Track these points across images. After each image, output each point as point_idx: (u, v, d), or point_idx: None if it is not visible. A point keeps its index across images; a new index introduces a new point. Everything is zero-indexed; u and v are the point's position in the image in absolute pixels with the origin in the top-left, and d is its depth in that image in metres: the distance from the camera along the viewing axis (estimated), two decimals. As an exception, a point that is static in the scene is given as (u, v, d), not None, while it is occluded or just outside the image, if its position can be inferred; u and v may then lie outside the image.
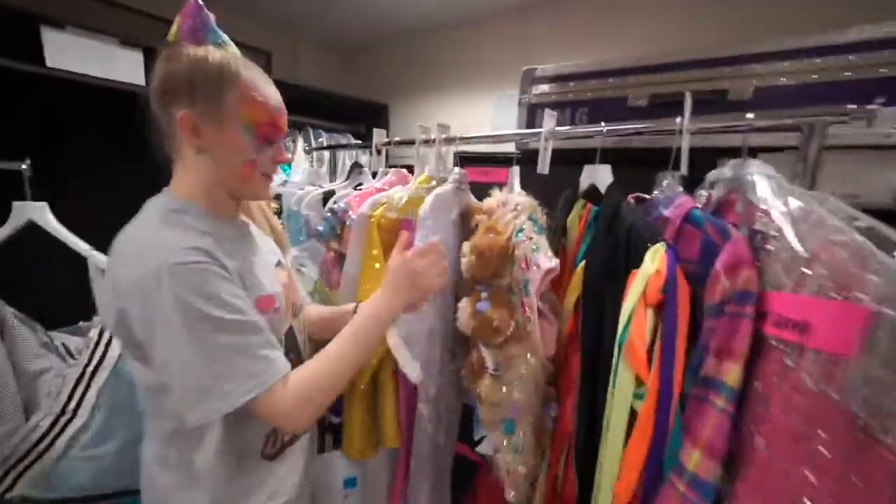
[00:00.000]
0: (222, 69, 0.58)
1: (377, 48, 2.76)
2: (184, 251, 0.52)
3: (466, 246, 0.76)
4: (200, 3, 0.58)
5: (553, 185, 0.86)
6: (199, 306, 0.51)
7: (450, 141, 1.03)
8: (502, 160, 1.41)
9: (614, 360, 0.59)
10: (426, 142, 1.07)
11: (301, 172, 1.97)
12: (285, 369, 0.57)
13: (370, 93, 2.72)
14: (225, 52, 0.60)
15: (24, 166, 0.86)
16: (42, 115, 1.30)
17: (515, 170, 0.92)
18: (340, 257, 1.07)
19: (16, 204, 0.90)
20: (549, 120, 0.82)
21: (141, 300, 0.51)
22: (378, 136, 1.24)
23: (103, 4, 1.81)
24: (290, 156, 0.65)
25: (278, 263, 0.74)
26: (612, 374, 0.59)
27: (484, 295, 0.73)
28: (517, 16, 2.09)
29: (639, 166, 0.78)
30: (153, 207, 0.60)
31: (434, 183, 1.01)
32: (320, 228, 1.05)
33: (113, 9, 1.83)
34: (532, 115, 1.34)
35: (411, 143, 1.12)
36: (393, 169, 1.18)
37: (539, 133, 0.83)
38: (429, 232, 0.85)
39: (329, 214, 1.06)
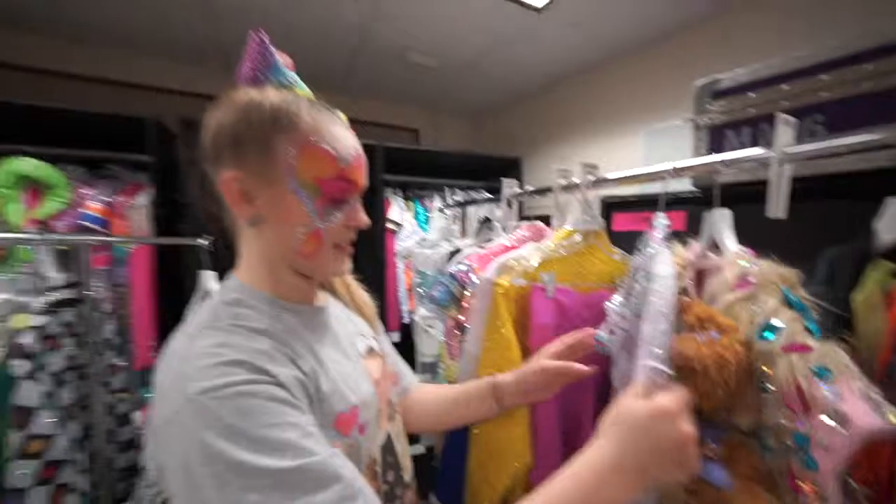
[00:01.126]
0: (277, 113, 0.44)
1: (506, 108, 2.80)
2: (217, 370, 0.36)
3: (672, 352, 0.43)
4: (265, 38, 0.46)
5: (784, 233, 0.50)
6: (231, 452, 0.33)
7: (599, 183, 0.78)
8: (670, 202, 1.05)
9: None
10: (566, 187, 0.84)
11: (436, 231, 1.97)
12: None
13: (502, 149, 2.71)
14: (287, 92, 0.47)
15: (203, 241, 0.99)
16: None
17: (723, 213, 0.58)
18: (461, 326, 0.89)
19: (200, 272, 1.05)
20: (784, 132, 0.48)
21: (163, 445, 0.36)
22: (508, 186, 1.07)
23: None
24: (366, 219, 0.50)
25: (370, 350, 0.58)
26: None
27: (713, 448, 0.40)
28: (638, 50, 1.86)
29: None
30: (218, 294, 0.48)
31: (578, 238, 0.76)
32: (436, 294, 0.90)
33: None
34: (716, 139, 0.97)
35: (547, 190, 0.90)
36: (525, 222, 0.98)
37: (768, 157, 0.49)
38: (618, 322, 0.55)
39: (447, 277, 0.90)
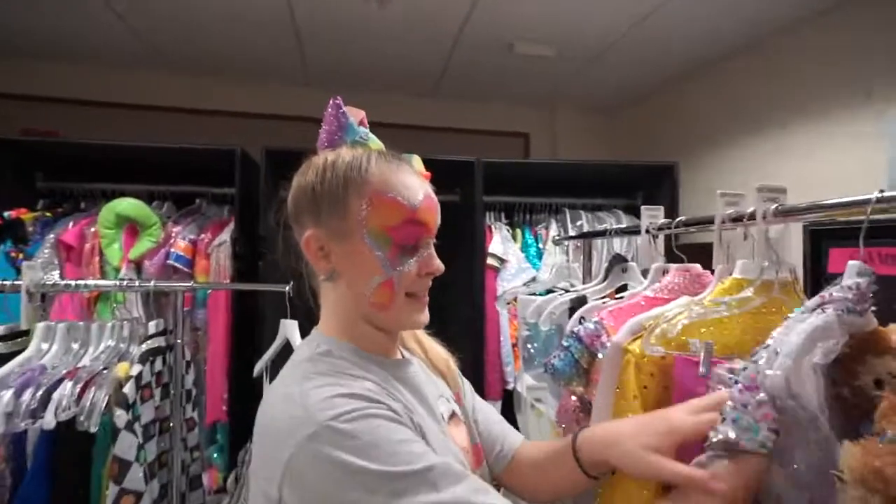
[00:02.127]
0: (348, 171, 0.57)
1: (651, 100, 2.70)
2: (340, 400, 0.49)
3: (850, 459, 0.38)
4: (339, 101, 0.61)
5: None
6: (374, 468, 0.45)
7: (786, 213, 0.70)
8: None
9: None
10: (735, 220, 0.78)
11: (551, 268, 1.95)
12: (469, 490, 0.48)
13: (648, 154, 2.58)
14: (360, 149, 0.60)
15: (287, 288, 1.16)
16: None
17: None
18: (586, 405, 0.89)
19: (282, 321, 1.23)
20: None
21: (296, 480, 0.47)
22: (649, 215, 1.02)
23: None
24: (440, 265, 0.62)
25: (452, 415, 0.66)
26: None
27: None
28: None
29: None
30: (302, 350, 0.61)
31: (750, 292, 0.70)
32: (556, 363, 0.89)
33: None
34: None
35: (708, 221, 0.84)
36: (675, 265, 0.92)
37: None
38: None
39: (572, 339, 0.89)
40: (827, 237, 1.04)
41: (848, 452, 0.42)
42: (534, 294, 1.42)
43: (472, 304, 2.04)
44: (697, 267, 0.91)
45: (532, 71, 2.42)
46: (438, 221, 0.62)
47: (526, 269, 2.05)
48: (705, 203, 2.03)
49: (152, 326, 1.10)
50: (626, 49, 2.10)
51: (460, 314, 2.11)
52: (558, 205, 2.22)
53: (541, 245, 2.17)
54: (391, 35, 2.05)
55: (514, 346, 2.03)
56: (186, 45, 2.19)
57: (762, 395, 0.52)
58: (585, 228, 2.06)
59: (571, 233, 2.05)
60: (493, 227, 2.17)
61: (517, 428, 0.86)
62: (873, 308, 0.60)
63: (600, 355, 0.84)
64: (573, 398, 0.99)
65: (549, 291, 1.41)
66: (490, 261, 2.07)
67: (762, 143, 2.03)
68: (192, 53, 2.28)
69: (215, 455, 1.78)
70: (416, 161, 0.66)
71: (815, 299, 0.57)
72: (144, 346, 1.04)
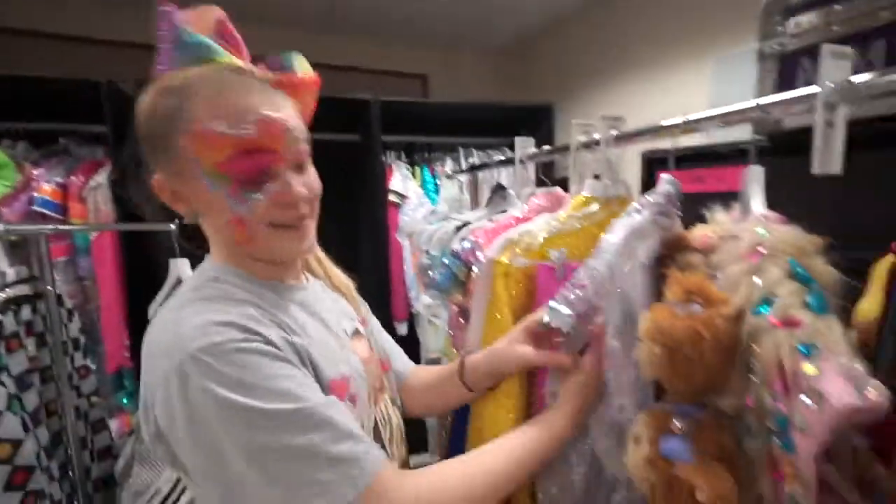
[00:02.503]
0: (170, 103, 0.50)
1: (538, 43, 2.76)
2: (212, 329, 0.47)
3: (643, 324, 0.50)
4: (167, 9, 0.50)
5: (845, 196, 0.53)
6: (235, 398, 0.45)
7: (623, 139, 0.81)
8: (728, 154, 1.05)
9: None
10: (586, 145, 0.88)
11: (447, 202, 2.03)
12: (377, 467, 0.49)
13: (532, 96, 2.68)
14: (195, 70, 0.51)
15: (172, 227, 1.10)
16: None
17: (754, 170, 0.62)
18: (465, 312, 0.96)
19: (171, 260, 1.19)
20: (831, 65, 0.50)
21: (164, 404, 0.47)
22: (522, 145, 1.11)
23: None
24: (299, 189, 0.54)
25: (356, 332, 0.69)
26: None
27: (678, 426, 0.47)
28: None
29: None
30: (192, 279, 0.60)
31: (596, 207, 0.80)
32: (437, 277, 0.97)
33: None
34: (789, 70, 0.97)
35: (565, 149, 0.94)
36: (542, 189, 1.02)
37: (814, 95, 0.52)
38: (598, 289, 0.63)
39: (449, 257, 0.97)
40: (658, 164, 1.21)
41: (642, 317, 0.50)
42: (431, 226, 1.49)
43: (377, 237, 2.09)
44: (559, 189, 1.01)
45: (429, 11, 2.35)
46: (297, 143, 0.54)
47: (425, 204, 2.10)
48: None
49: (12, 274, 0.99)
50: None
51: (366, 247, 2.17)
52: (453, 143, 2.28)
53: (438, 182, 2.23)
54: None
55: (417, 274, 2.13)
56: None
57: (582, 290, 0.63)
58: (475, 163, 2.15)
59: (464, 168, 2.13)
60: (393, 165, 2.19)
61: (418, 341, 0.94)
62: (680, 216, 0.73)
63: (475, 269, 0.91)
64: (455, 307, 1.09)
65: (444, 221, 1.48)
66: (391, 197, 2.11)
67: (621, 86, 2.22)
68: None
69: (125, 400, 1.70)
70: (299, 61, 0.57)
71: (633, 205, 0.68)
72: (2, 295, 0.94)
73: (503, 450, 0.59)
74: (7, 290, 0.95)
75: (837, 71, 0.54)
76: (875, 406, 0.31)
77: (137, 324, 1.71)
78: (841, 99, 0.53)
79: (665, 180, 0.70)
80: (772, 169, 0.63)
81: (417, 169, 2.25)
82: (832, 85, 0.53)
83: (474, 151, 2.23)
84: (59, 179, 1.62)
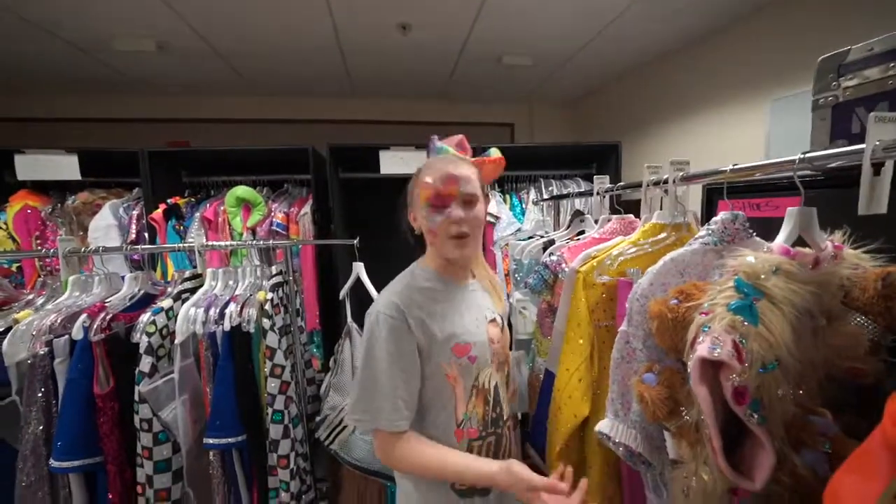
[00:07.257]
0: (417, 172, 0.73)
1: (604, 91, 2.64)
2: (390, 304, 0.67)
3: (650, 304, 0.59)
4: (433, 137, 0.80)
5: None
6: (375, 346, 0.66)
7: (688, 179, 0.78)
8: (785, 186, 0.95)
9: None
10: (655, 183, 0.86)
11: (531, 222, 2.04)
12: (386, 425, 0.65)
13: (603, 135, 2.57)
14: (432, 157, 0.76)
15: (355, 241, 1.28)
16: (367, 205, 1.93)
17: (791, 212, 0.59)
18: (552, 308, 0.99)
19: (354, 263, 1.35)
20: (876, 129, 0.47)
21: (367, 328, 0.69)
22: (599, 181, 1.11)
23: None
24: (457, 213, 0.68)
25: (493, 320, 0.77)
26: None
27: (656, 367, 0.58)
28: (752, 16, 1.57)
29: None
30: (404, 271, 0.77)
31: (664, 235, 0.79)
32: (531, 281, 1.01)
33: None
34: (843, 118, 0.85)
35: (637, 185, 0.93)
36: (616, 216, 1.01)
37: (860, 151, 0.48)
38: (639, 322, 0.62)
39: (541, 267, 1.01)
40: (717, 194, 1.12)
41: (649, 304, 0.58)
42: (520, 240, 1.53)
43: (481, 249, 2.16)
44: (630, 216, 1.00)
45: (515, 76, 2.39)
46: (466, 189, 0.68)
47: (513, 223, 2.14)
48: (639, 172, 2.06)
49: (274, 269, 1.23)
50: (584, 55, 2.07)
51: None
52: (535, 176, 2.28)
53: (523, 205, 2.24)
54: (412, 53, 2.04)
55: (506, 275, 2.16)
56: (270, 76, 2.24)
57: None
58: (555, 192, 2.12)
59: (545, 196, 2.12)
60: (489, 194, 2.25)
61: (510, 327, 0.98)
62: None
63: (560, 276, 0.95)
64: (544, 304, 1.12)
65: (529, 238, 1.51)
66: (488, 218, 2.17)
67: (680, 127, 2.03)
68: (272, 81, 2.31)
69: (315, 350, 1.98)
70: (494, 151, 0.85)
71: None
72: (272, 281, 1.17)
73: (449, 461, 0.66)
74: (273, 278, 1.19)
75: (883, 132, 0.50)
76: (721, 360, 0.40)
77: (324, 301, 2.00)
78: (886, 156, 0.49)
79: (722, 213, 0.65)
80: (824, 199, 0.59)
81: (507, 196, 2.29)
82: (877, 142, 0.49)
83: (553, 182, 2.21)
84: (284, 210, 1.93)
